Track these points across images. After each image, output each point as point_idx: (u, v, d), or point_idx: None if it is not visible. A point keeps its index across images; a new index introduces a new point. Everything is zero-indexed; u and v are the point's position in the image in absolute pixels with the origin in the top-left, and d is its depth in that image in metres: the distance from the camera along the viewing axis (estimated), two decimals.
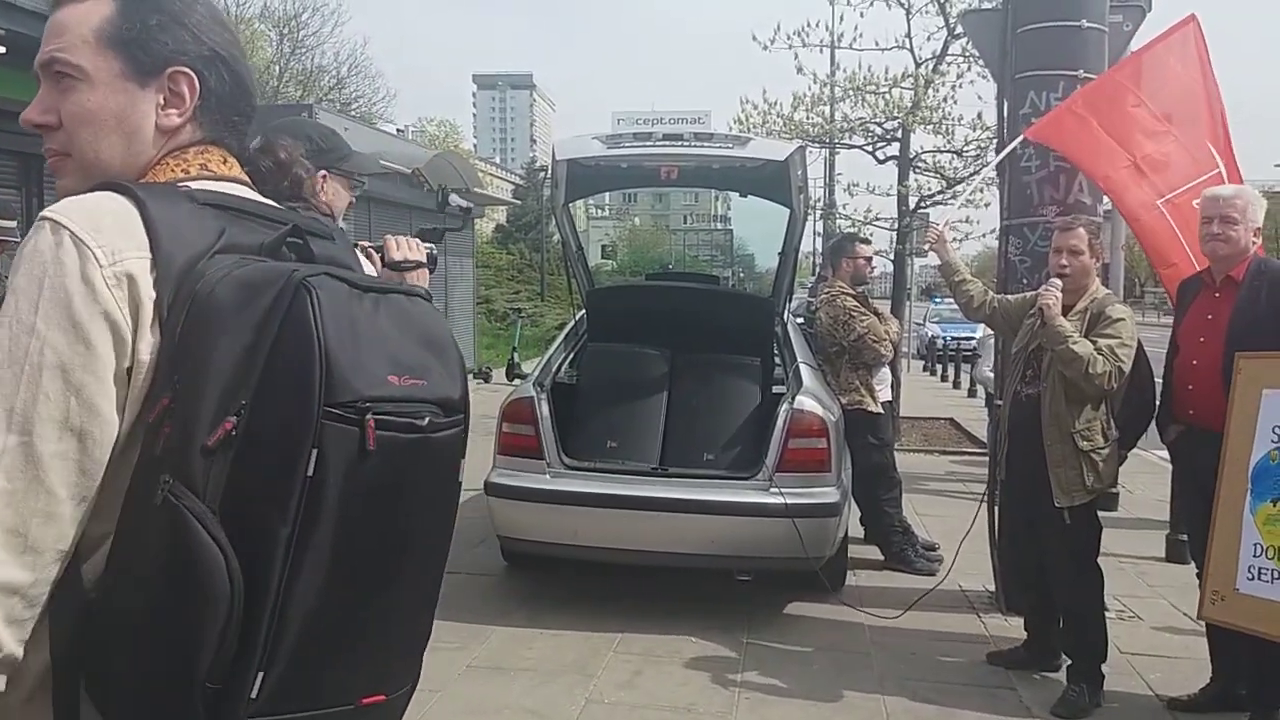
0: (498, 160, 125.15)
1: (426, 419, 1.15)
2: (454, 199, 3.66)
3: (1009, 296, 4.98)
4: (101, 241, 1.11)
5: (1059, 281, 4.33)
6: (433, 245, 2.38)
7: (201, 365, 1.08)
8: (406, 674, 1.26)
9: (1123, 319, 4.29)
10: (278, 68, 34.38)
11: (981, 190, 11.25)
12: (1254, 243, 4.15)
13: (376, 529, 1.14)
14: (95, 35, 1.22)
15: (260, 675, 1.07)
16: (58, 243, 1.09)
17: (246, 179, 1.33)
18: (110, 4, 1.24)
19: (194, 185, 1.23)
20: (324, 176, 2.44)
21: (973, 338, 15.64)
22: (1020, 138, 5.22)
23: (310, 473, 1.06)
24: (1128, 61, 5.16)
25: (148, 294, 1.12)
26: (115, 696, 1.11)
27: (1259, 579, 3.57)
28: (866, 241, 7.02)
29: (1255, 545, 3.59)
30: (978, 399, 11.25)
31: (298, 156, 1.54)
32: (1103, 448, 4.28)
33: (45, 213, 1.12)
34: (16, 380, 1.07)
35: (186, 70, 1.26)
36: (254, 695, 1.07)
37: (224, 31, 1.32)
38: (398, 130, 36.30)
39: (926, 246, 5.56)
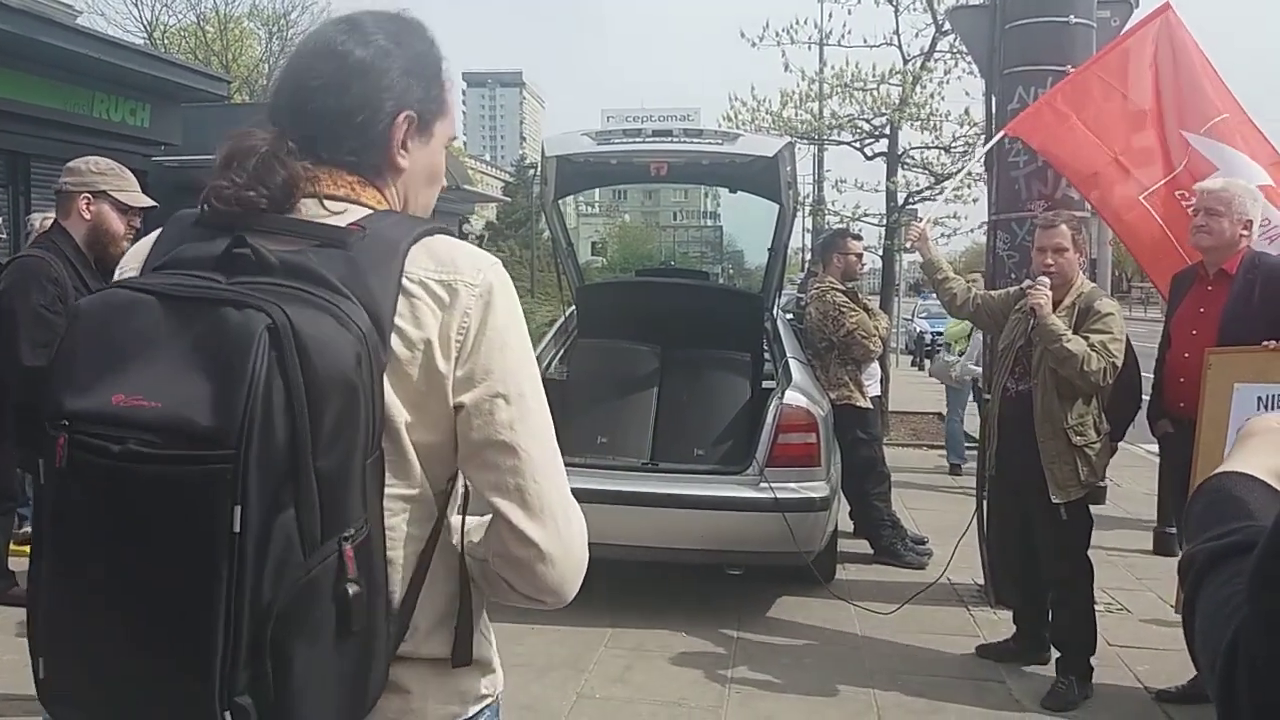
0: (487, 158, 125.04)
1: (125, 446, 1.04)
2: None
3: (991, 293, 5.01)
4: (125, 262, 1.32)
5: (1046, 280, 4.34)
6: None
7: None
8: None
9: (1111, 313, 4.31)
10: (267, 66, 34.24)
11: (969, 186, 11.31)
12: (1244, 235, 4.16)
13: (83, 553, 1.10)
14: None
15: (41, 660, 1.14)
16: None
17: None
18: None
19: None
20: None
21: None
22: (1001, 134, 5.24)
23: (43, 482, 1.11)
24: (1108, 54, 5.15)
25: None
26: None
27: None
28: (858, 238, 7.05)
29: None
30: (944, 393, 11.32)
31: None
32: (1095, 442, 4.30)
33: None
34: None
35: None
36: (41, 676, 1.14)
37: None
38: None
39: (909, 245, 5.59)
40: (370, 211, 1.27)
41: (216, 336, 1.07)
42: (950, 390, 9.52)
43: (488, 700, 1.37)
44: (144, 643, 1.08)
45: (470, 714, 1.34)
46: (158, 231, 1.31)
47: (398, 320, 1.19)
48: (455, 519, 1.33)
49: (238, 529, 1.03)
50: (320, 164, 1.28)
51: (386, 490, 1.19)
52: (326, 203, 1.27)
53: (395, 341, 1.19)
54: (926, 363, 21.33)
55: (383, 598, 1.18)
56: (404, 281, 1.20)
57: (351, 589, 1.10)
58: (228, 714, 1.06)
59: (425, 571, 1.27)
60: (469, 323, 1.22)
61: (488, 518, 1.31)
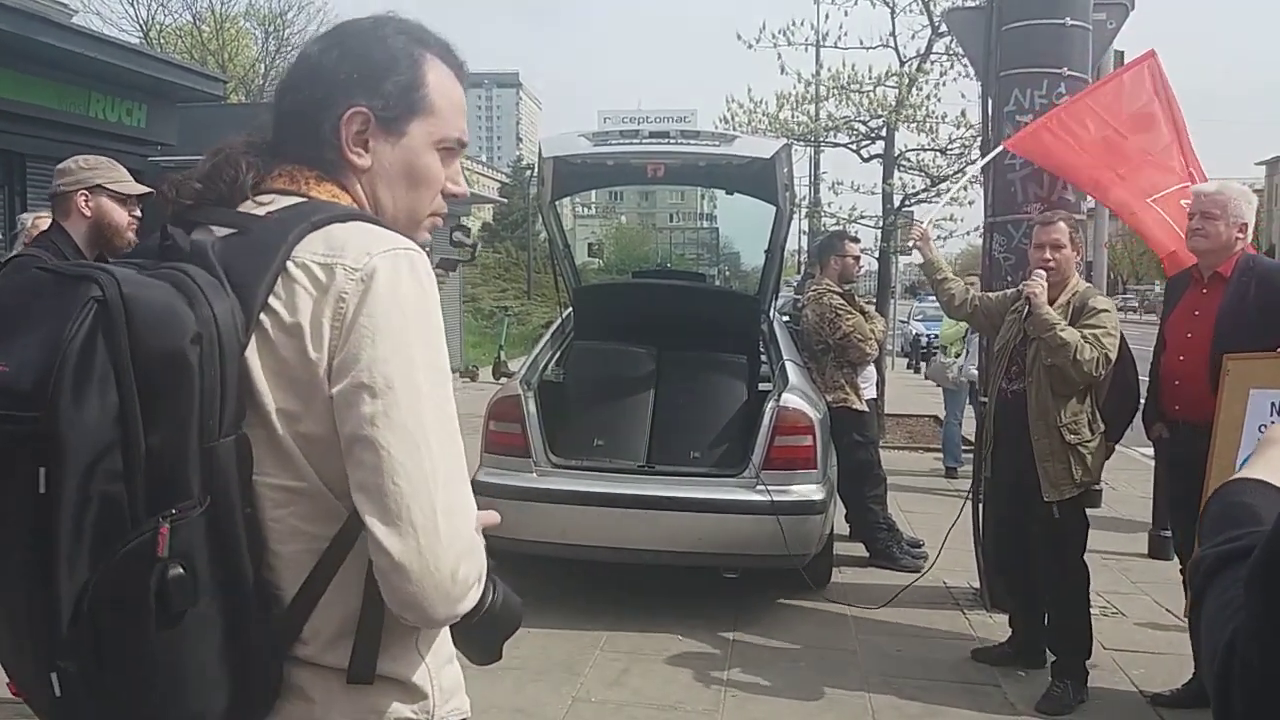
0: (484, 159, 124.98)
1: None
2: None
3: (989, 294, 5.01)
4: None
5: (1043, 273, 4.35)
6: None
7: None
8: (31, 686, 1.14)
9: (1106, 310, 4.32)
10: (263, 66, 34.24)
11: (966, 189, 11.30)
12: (1239, 239, 4.16)
13: None
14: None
15: None
16: None
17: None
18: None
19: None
20: None
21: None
22: (1000, 148, 5.26)
23: None
24: (1098, 90, 5.23)
25: None
26: None
27: None
28: (855, 240, 7.04)
29: None
30: (941, 395, 11.34)
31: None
32: (1089, 441, 4.30)
33: None
34: None
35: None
36: None
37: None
38: None
39: (910, 245, 5.59)
40: (303, 201, 1.27)
41: (55, 307, 1.09)
42: (948, 393, 9.53)
43: None
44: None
45: None
46: None
47: (272, 302, 1.17)
48: None
49: (43, 489, 1.05)
50: (285, 161, 1.31)
51: (264, 479, 1.18)
52: (258, 196, 1.28)
53: (268, 324, 1.17)
54: (923, 365, 21.36)
55: (247, 589, 1.16)
56: (287, 264, 1.18)
57: (171, 570, 1.08)
58: (54, 675, 1.09)
59: (329, 573, 1.21)
60: (345, 308, 1.17)
61: None
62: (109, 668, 1.09)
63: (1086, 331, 4.20)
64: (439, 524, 1.16)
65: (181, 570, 1.09)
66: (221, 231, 1.22)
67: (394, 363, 1.17)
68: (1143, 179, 5.06)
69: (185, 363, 1.09)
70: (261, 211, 1.25)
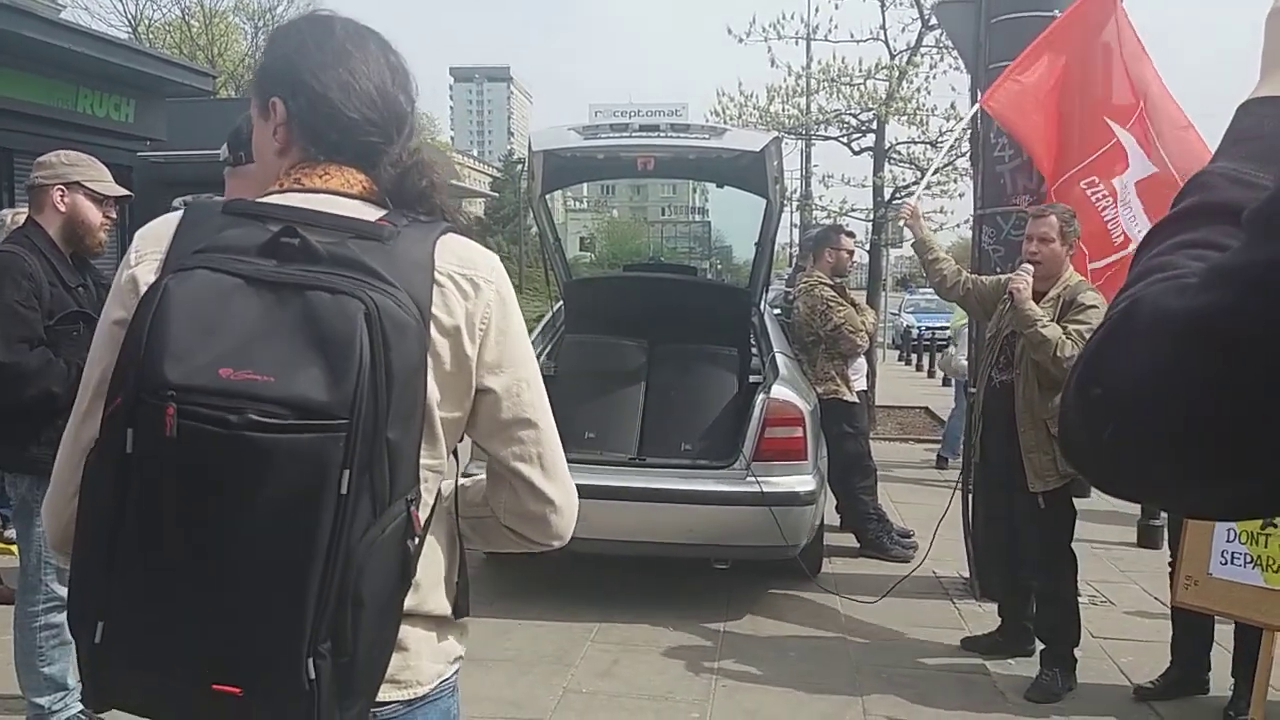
0: (475, 153, 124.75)
1: (244, 416, 1.13)
2: None
3: (983, 278, 5.00)
4: (139, 245, 1.36)
5: (1031, 267, 4.37)
6: None
7: (126, 344, 1.22)
8: (270, 680, 1.18)
9: (1095, 306, 4.32)
10: (252, 61, 34.09)
11: (955, 181, 11.34)
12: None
13: (188, 516, 1.17)
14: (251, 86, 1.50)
15: (100, 624, 1.19)
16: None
17: (347, 189, 1.40)
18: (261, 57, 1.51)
19: (272, 198, 1.37)
20: None
21: (947, 328, 15.76)
22: (976, 106, 5.26)
23: (129, 449, 1.16)
24: (1064, 23, 5.18)
25: (147, 281, 1.28)
26: None
27: (1232, 563, 3.63)
28: (850, 234, 7.04)
29: (1229, 530, 3.65)
30: (951, 388, 11.36)
31: (410, 170, 1.46)
32: None
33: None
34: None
35: (277, 98, 1.42)
36: (97, 640, 1.19)
37: (326, 49, 1.42)
38: None
39: (902, 223, 5.60)
40: (352, 201, 1.40)
41: (318, 319, 1.18)
42: (959, 384, 9.53)
43: (459, 662, 1.51)
44: (245, 598, 1.17)
45: (449, 675, 1.47)
46: (173, 216, 1.37)
47: (434, 309, 1.32)
48: (446, 484, 1.45)
49: (344, 491, 1.15)
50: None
51: (421, 461, 1.31)
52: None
53: (431, 328, 1.31)
54: (913, 357, 21.42)
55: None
56: (435, 274, 1.33)
57: (411, 545, 1.25)
58: (310, 660, 1.16)
59: (425, 534, 1.35)
60: (490, 314, 1.38)
61: (478, 479, 1.53)
62: (357, 642, 1.19)
63: (1071, 328, 4.21)
64: (568, 472, 1.49)
65: (416, 543, 1.26)
66: (334, 236, 1.28)
67: (529, 360, 1.45)
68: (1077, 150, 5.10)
69: (421, 366, 1.27)
70: (348, 213, 1.35)
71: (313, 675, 1.16)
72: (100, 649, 1.20)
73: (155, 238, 1.35)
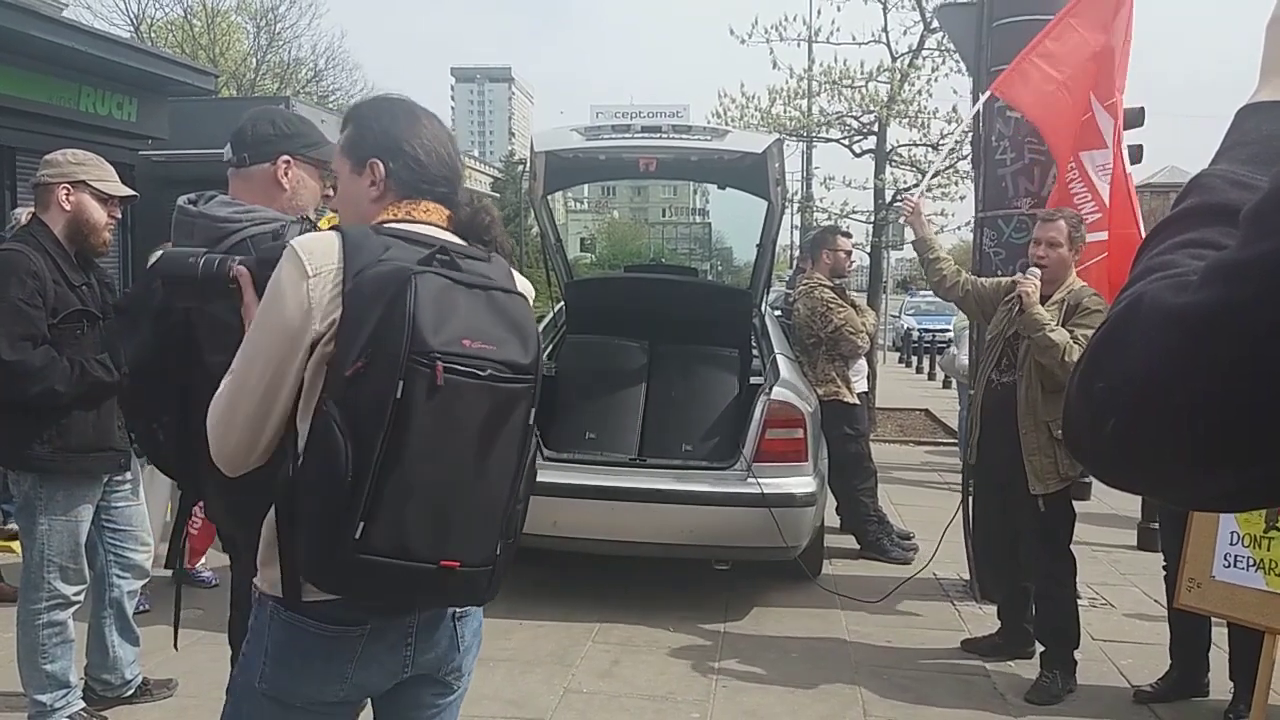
0: (476, 153, 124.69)
1: (488, 371, 1.66)
2: None
3: (983, 280, 5.01)
4: (311, 260, 1.71)
5: (1038, 270, 4.37)
6: None
7: (351, 326, 1.65)
8: (479, 555, 1.74)
9: (1099, 310, 4.32)
10: (254, 60, 34.08)
11: (956, 183, 11.33)
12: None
13: (450, 440, 1.66)
14: (340, 149, 1.94)
15: (361, 524, 1.60)
16: (288, 257, 1.73)
17: (441, 223, 1.87)
18: (348, 127, 1.94)
19: (394, 224, 1.82)
20: (287, 162, 2.44)
21: (948, 330, 15.76)
22: (987, 93, 5.25)
23: (399, 396, 1.58)
24: (1059, 25, 5.16)
25: (334, 287, 1.69)
26: (299, 522, 1.69)
27: (1234, 566, 3.63)
28: (847, 235, 7.05)
29: (1232, 533, 3.65)
30: (952, 390, 11.37)
31: (480, 210, 1.94)
32: None
33: (290, 242, 1.78)
34: (247, 355, 1.77)
35: (377, 160, 1.86)
36: (357, 536, 1.59)
37: (413, 125, 1.90)
38: None
39: (903, 220, 5.59)
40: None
41: (505, 308, 1.74)
42: (962, 386, 9.53)
43: None
44: (485, 492, 1.73)
45: None
46: (330, 236, 1.75)
47: None
48: None
49: (530, 421, 1.78)
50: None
51: None
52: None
53: None
54: (914, 359, 21.42)
55: None
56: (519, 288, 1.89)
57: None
58: (500, 543, 1.78)
59: None
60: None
61: None
62: (518, 531, 1.87)
63: (1079, 332, 4.22)
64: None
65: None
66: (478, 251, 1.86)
67: None
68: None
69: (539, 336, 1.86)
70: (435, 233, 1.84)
71: (499, 552, 1.77)
72: (359, 543, 1.59)
73: (324, 253, 1.71)
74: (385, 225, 1.81)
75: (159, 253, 2.84)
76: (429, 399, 1.60)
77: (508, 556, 1.80)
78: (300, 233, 2.12)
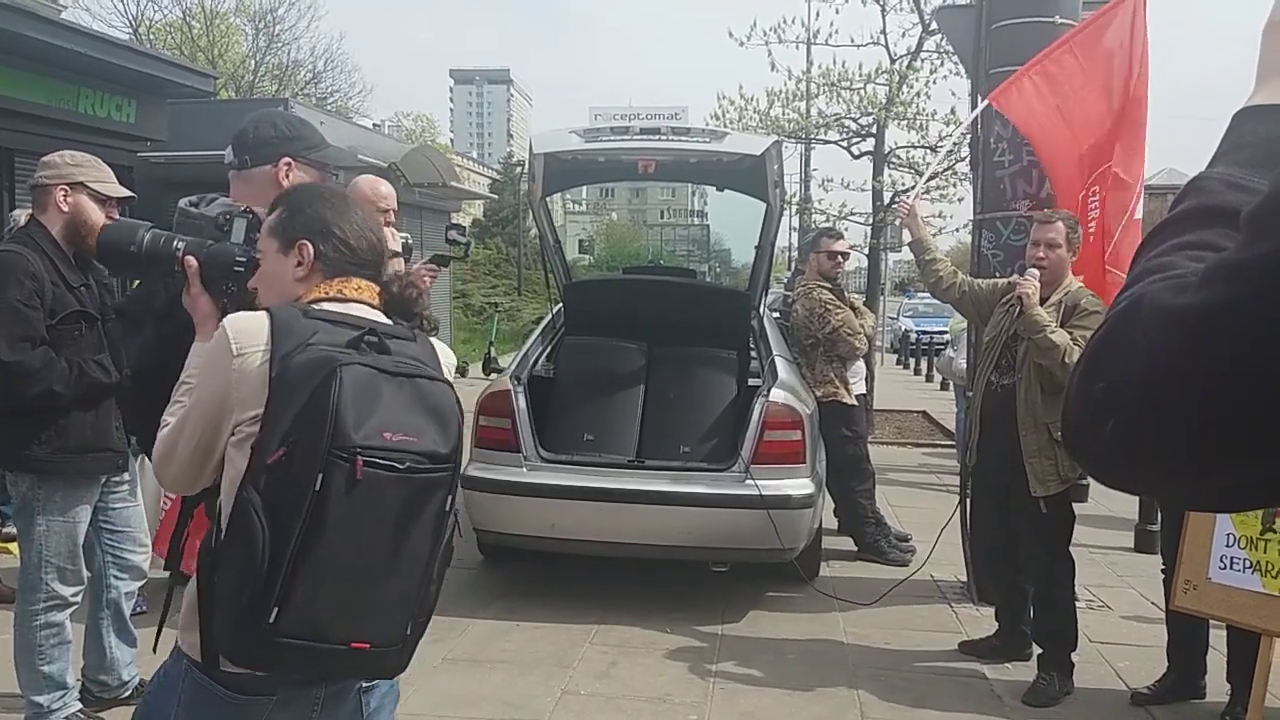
0: (475, 155, 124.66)
1: (407, 464, 1.70)
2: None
3: (980, 281, 5.01)
4: (238, 339, 1.76)
5: (1036, 271, 4.37)
6: (408, 235, 2.55)
7: (275, 413, 1.69)
8: (388, 636, 1.77)
9: (1097, 311, 4.33)
10: (253, 62, 34.09)
11: (954, 186, 11.34)
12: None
13: (366, 529, 1.69)
14: (268, 229, 1.98)
15: (276, 609, 1.63)
16: (219, 336, 1.80)
17: (372, 300, 1.93)
18: (278, 209, 1.98)
19: (325, 302, 1.86)
20: (288, 164, 2.44)
21: (945, 332, 15.77)
22: (985, 102, 5.25)
23: (318, 488, 1.62)
24: (1085, 29, 5.12)
25: (260, 368, 1.74)
26: (217, 599, 1.73)
27: (1230, 568, 3.63)
28: (839, 236, 7.02)
29: (1228, 535, 3.65)
30: (949, 392, 11.38)
31: (407, 285, 2.01)
32: None
33: (224, 320, 1.84)
34: (184, 408, 1.85)
35: (306, 241, 1.91)
36: (271, 620, 1.63)
37: (343, 211, 1.96)
38: (374, 125, 35.94)
39: (899, 222, 5.60)
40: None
41: (426, 395, 1.78)
42: (958, 388, 9.53)
43: None
44: (397, 578, 1.76)
45: None
46: (260, 317, 1.79)
47: None
48: None
49: (448, 508, 1.81)
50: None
51: None
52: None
53: None
54: (912, 361, 21.42)
55: None
56: (444, 367, 1.96)
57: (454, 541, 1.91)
58: (410, 624, 1.81)
59: None
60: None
61: None
62: (430, 610, 1.88)
63: (1078, 334, 4.22)
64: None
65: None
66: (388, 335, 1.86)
67: None
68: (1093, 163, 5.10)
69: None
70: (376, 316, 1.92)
71: (409, 632, 1.80)
72: (273, 627, 1.63)
73: (252, 334, 1.76)
74: (315, 305, 1.85)
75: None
76: (348, 492, 1.64)
77: (418, 634, 1.85)
78: (246, 225, 2.15)
